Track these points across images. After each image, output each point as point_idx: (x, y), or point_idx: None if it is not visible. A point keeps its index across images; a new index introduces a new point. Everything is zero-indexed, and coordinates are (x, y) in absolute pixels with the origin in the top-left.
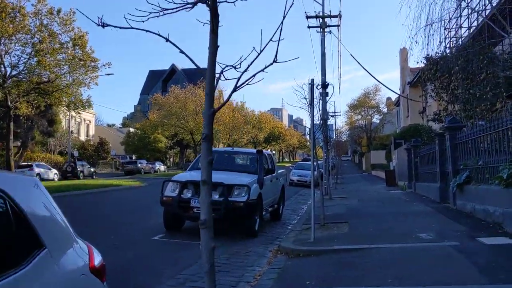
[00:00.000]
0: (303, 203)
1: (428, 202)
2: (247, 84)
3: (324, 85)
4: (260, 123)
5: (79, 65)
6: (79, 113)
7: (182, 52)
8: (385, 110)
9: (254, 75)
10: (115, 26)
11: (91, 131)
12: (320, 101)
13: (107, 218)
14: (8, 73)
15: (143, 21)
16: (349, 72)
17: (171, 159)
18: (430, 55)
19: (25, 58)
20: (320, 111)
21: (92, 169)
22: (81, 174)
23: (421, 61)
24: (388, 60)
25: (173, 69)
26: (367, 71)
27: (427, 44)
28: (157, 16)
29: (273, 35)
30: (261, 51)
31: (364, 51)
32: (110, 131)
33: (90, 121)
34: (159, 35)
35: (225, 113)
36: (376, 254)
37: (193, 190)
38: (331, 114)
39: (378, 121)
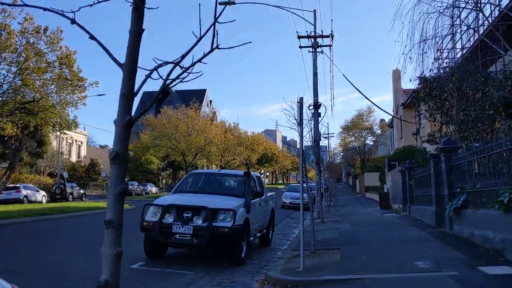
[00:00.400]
0: (294, 227)
1: (423, 227)
2: (181, 80)
3: (316, 105)
4: (253, 145)
5: (66, 84)
6: (64, 133)
7: (93, 38)
8: (378, 131)
9: (190, 67)
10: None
11: (83, 152)
12: (312, 121)
13: (85, 243)
14: None
15: (73, 11)
16: (343, 95)
17: (164, 181)
18: (424, 74)
19: (10, 78)
20: (312, 131)
21: (81, 191)
22: (70, 196)
23: (415, 79)
24: (381, 83)
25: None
26: (359, 91)
27: (422, 61)
28: (90, 5)
29: (215, 20)
30: (201, 37)
31: (357, 74)
32: (102, 152)
33: (81, 142)
34: (62, 15)
35: (217, 134)
36: (369, 285)
37: (175, 214)
38: (324, 135)
39: (371, 143)
